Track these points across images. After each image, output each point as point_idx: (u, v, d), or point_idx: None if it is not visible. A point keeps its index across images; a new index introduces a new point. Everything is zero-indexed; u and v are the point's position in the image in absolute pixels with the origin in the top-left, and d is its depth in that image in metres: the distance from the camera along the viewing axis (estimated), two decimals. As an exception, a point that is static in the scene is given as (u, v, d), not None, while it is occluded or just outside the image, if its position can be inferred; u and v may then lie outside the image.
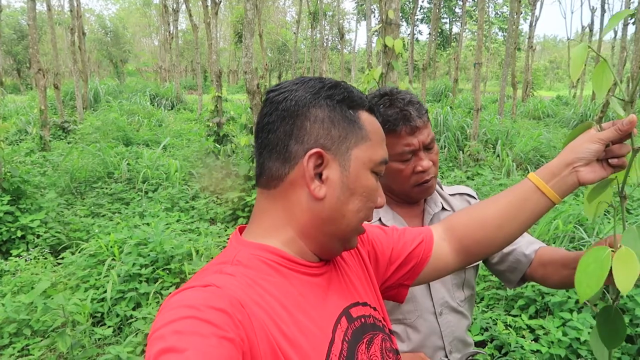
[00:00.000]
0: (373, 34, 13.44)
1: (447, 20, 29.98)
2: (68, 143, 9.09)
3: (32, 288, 3.18)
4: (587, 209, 0.88)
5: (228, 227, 4.80)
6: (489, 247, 0.87)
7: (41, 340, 2.73)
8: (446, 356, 1.20)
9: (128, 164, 6.50)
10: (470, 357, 1.03)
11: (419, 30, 32.46)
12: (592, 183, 0.82)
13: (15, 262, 3.78)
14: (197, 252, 3.70)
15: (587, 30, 18.09)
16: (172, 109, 16.03)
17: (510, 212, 0.84)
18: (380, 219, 1.22)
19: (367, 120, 0.72)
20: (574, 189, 0.83)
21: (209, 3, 11.35)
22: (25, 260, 3.86)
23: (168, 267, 3.49)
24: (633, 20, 8.91)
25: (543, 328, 2.74)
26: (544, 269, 1.15)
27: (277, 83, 0.73)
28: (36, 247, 4.18)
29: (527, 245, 1.21)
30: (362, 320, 0.74)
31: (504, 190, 0.88)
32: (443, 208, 1.27)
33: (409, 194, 1.21)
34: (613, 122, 0.80)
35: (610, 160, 0.81)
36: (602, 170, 0.81)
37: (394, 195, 1.25)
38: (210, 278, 0.61)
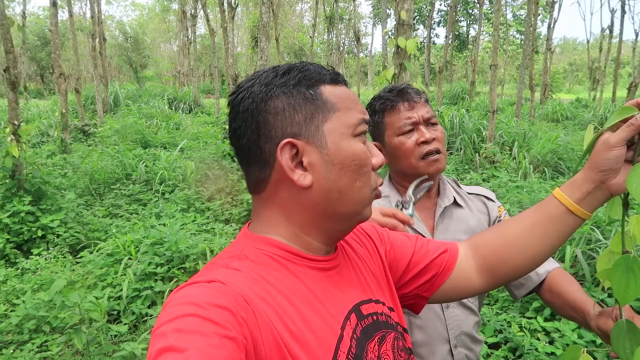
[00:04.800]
0: (387, 34, 13.41)
1: (464, 23, 29.74)
2: (88, 145, 9.27)
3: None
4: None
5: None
6: (516, 268, 0.82)
7: (59, 337, 2.79)
8: (451, 350, 1.19)
9: (146, 165, 6.61)
10: None
11: (436, 34, 32.34)
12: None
13: (36, 260, 3.88)
14: (212, 251, 3.74)
15: (607, 32, 17.78)
16: (189, 112, 16.21)
17: (536, 232, 0.79)
18: None
19: (331, 92, 0.68)
20: (606, 201, 0.77)
21: (225, 8, 11.49)
22: (45, 259, 3.96)
23: (183, 266, 3.54)
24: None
25: (558, 331, 2.70)
26: (551, 296, 1.17)
27: (238, 84, 0.71)
28: (56, 246, 4.28)
29: None
30: (374, 317, 0.72)
31: (529, 209, 0.83)
32: (456, 202, 1.28)
33: (417, 169, 1.21)
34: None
35: None
36: None
37: (406, 181, 1.26)
38: (215, 273, 0.60)
